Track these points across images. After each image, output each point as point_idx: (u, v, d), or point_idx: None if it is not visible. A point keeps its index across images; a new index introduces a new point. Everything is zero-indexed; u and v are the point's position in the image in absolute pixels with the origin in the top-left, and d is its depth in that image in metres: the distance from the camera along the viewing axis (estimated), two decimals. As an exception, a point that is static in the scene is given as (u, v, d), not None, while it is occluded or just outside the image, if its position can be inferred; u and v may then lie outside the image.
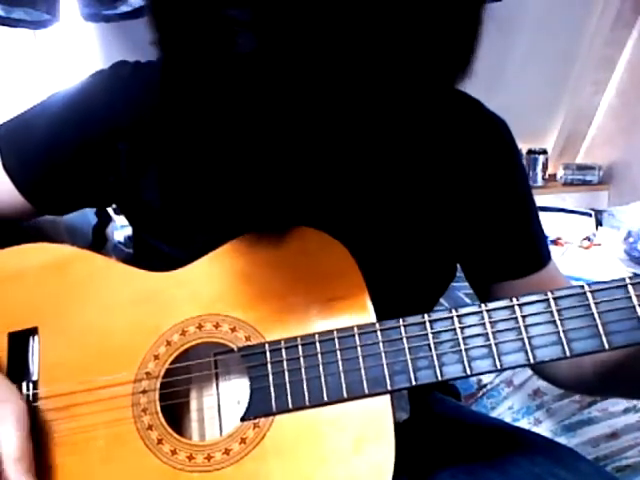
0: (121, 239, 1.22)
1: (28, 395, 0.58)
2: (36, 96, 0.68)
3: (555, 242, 1.77)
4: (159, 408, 0.57)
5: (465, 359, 0.52)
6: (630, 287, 0.52)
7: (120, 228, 1.19)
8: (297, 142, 0.44)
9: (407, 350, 0.53)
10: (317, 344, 0.55)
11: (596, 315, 0.51)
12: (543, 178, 2.28)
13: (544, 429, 1.20)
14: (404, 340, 0.54)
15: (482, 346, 0.53)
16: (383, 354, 0.54)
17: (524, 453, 0.65)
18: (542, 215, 0.71)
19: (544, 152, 2.26)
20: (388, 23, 0.40)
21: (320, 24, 0.39)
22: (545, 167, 2.27)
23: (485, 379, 1.29)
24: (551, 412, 1.22)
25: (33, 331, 0.61)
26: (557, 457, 0.63)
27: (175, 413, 0.60)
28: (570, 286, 0.54)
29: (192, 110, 0.46)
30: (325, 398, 0.53)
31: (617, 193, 2.25)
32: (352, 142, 0.45)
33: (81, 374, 0.58)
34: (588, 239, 1.81)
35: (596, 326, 0.51)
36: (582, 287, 0.52)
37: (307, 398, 0.54)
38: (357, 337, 0.54)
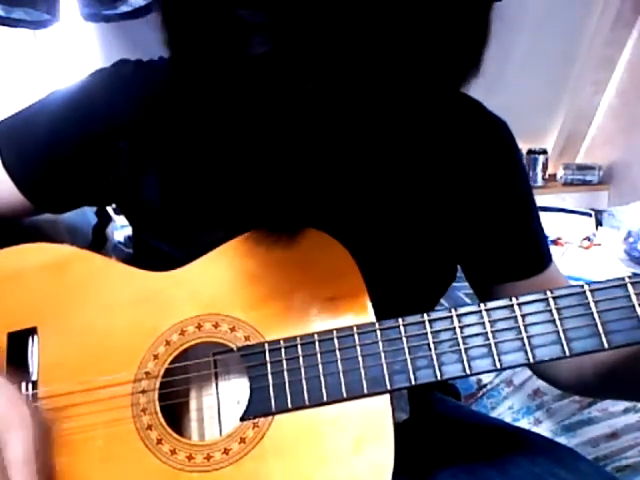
0: (121, 239, 1.22)
1: (27, 395, 0.58)
2: (36, 96, 0.68)
3: (555, 242, 1.77)
4: (158, 408, 0.57)
5: (465, 358, 0.52)
6: (629, 286, 0.51)
7: (120, 228, 1.19)
8: (301, 142, 0.44)
9: (406, 349, 0.53)
10: (316, 344, 0.55)
11: (595, 314, 0.51)
12: (543, 178, 2.28)
13: (544, 429, 1.20)
14: (403, 339, 0.54)
15: (481, 345, 0.53)
16: (382, 354, 0.54)
17: (524, 453, 0.65)
18: (542, 215, 0.71)
19: (544, 152, 2.27)
20: (400, 25, 0.40)
21: (333, 26, 0.39)
22: (545, 167, 2.27)
23: (485, 379, 1.29)
24: (551, 412, 1.21)
25: (32, 331, 0.61)
26: (557, 457, 0.63)
27: (174, 413, 0.60)
28: (569, 285, 0.54)
29: (200, 109, 0.46)
30: (324, 398, 0.53)
31: (617, 193, 2.25)
32: (356, 143, 0.46)
33: (80, 374, 0.58)
34: (588, 239, 1.81)
35: (595, 325, 0.51)
36: (581, 286, 0.52)
37: (306, 398, 0.54)
38: (356, 337, 0.54)
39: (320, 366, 0.54)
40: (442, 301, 0.77)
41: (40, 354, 0.60)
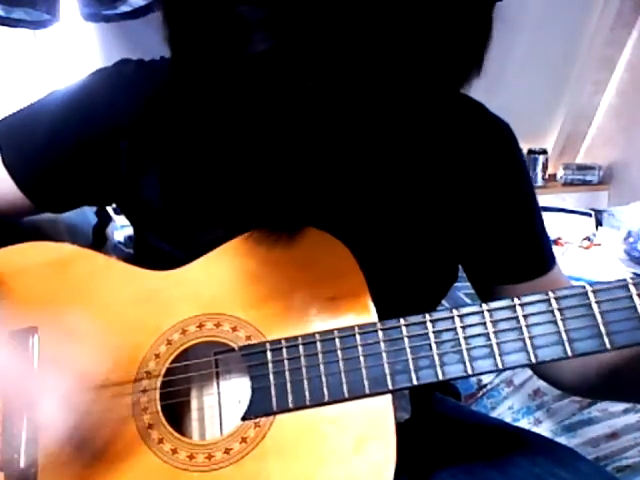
0: (121, 239, 1.22)
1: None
2: (36, 96, 0.68)
3: (555, 242, 1.77)
4: (159, 407, 0.57)
5: (466, 359, 0.52)
6: (631, 287, 0.51)
7: (120, 228, 1.19)
8: (301, 141, 0.44)
9: (408, 350, 0.53)
10: (318, 343, 0.55)
11: (597, 315, 0.51)
12: (543, 178, 2.28)
13: (544, 429, 1.20)
14: (405, 339, 0.54)
15: (483, 346, 0.53)
16: (384, 353, 0.54)
17: (524, 453, 0.65)
18: (542, 215, 0.71)
19: (544, 152, 2.26)
20: (402, 23, 0.40)
21: (334, 24, 0.39)
22: (545, 167, 2.27)
23: (485, 379, 1.29)
24: (551, 412, 1.22)
25: (33, 330, 0.60)
26: (557, 457, 0.63)
27: (175, 412, 0.60)
28: (571, 286, 0.54)
29: (200, 108, 0.46)
30: (326, 398, 0.53)
31: (617, 193, 2.25)
32: (358, 143, 0.46)
33: (81, 373, 0.58)
34: (588, 239, 1.82)
35: (597, 326, 0.51)
36: (583, 287, 0.52)
37: (308, 398, 0.54)
38: (358, 336, 0.55)
39: (322, 366, 0.54)
40: (442, 301, 0.77)
41: (41, 353, 0.60)
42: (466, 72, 0.46)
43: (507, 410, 1.26)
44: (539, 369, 0.73)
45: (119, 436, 0.56)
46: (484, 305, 0.54)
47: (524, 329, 0.52)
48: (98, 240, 1.05)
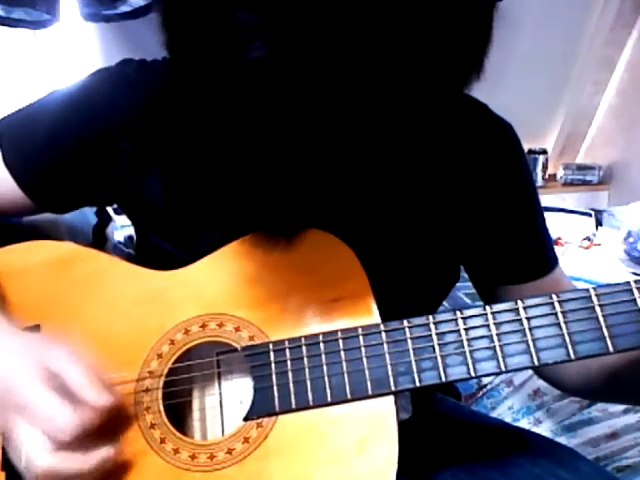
0: (121, 239, 1.22)
1: None
2: (36, 96, 0.68)
3: (555, 242, 1.77)
4: (162, 407, 0.57)
5: (469, 361, 0.52)
6: (635, 290, 0.52)
7: (120, 228, 1.19)
8: (305, 145, 0.44)
9: (411, 351, 0.53)
10: (321, 344, 0.55)
11: (601, 318, 0.51)
12: (543, 178, 2.28)
13: (544, 429, 1.20)
14: (408, 341, 0.54)
15: (486, 348, 0.53)
16: (387, 355, 0.54)
17: (525, 453, 0.65)
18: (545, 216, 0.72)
19: (544, 152, 2.26)
20: (401, 28, 0.40)
21: (332, 29, 0.39)
22: (545, 167, 2.27)
23: (485, 379, 1.29)
24: (551, 412, 1.22)
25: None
26: (557, 457, 0.63)
27: (178, 412, 0.60)
28: (575, 289, 0.54)
29: (200, 111, 0.46)
30: (329, 398, 0.53)
31: (617, 193, 2.25)
32: (361, 145, 0.46)
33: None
34: (588, 239, 1.81)
35: (601, 329, 0.51)
36: (587, 290, 0.52)
37: (310, 398, 0.54)
38: (361, 338, 0.55)
39: (325, 367, 0.54)
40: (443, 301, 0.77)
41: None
42: (467, 75, 0.46)
43: (507, 410, 1.25)
44: (540, 370, 0.73)
45: (121, 435, 0.56)
46: (487, 307, 0.54)
47: (527, 331, 0.52)
48: (98, 240, 1.05)
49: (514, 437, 0.70)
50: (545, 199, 2.12)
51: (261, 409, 0.55)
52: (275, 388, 0.55)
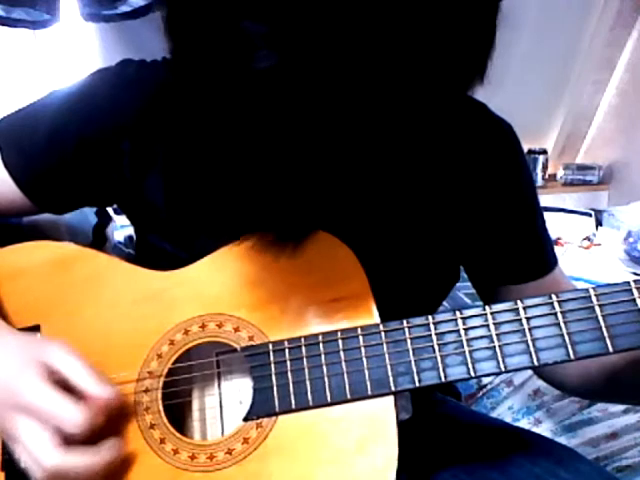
0: (121, 239, 1.22)
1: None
2: (36, 96, 0.68)
3: (555, 242, 1.77)
4: (161, 407, 0.57)
5: (469, 361, 0.53)
6: (635, 290, 0.52)
7: (120, 228, 1.19)
8: (306, 148, 0.44)
9: (411, 351, 0.53)
10: (321, 345, 0.55)
11: (600, 318, 0.51)
12: (543, 178, 2.27)
13: (544, 429, 1.20)
14: (408, 341, 0.54)
15: (486, 348, 0.53)
16: (387, 355, 0.54)
17: (525, 453, 0.65)
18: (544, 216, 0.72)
19: (544, 152, 2.26)
20: (405, 34, 0.40)
21: (338, 36, 0.39)
22: (545, 167, 2.26)
23: (485, 379, 1.29)
24: (551, 412, 1.22)
25: (35, 329, 0.61)
26: (557, 457, 0.63)
27: (177, 412, 0.60)
28: (575, 289, 0.54)
29: (204, 114, 0.46)
30: (328, 399, 0.53)
31: (617, 193, 2.25)
32: (362, 147, 0.46)
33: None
34: (588, 239, 1.81)
35: (600, 329, 0.51)
36: (587, 290, 0.52)
37: (310, 398, 0.54)
38: (361, 338, 0.55)
39: (324, 367, 0.54)
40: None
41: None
42: (470, 79, 0.46)
43: (507, 410, 1.25)
44: (540, 370, 0.73)
45: (121, 435, 0.56)
46: (487, 307, 0.54)
47: (527, 331, 0.52)
48: (98, 240, 1.04)
49: (514, 437, 0.70)
50: (545, 199, 2.12)
51: (261, 409, 0.55)
52: (275, 388, 0.55)
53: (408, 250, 0.65)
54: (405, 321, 0.54)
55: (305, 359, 0.55)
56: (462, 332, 0.53)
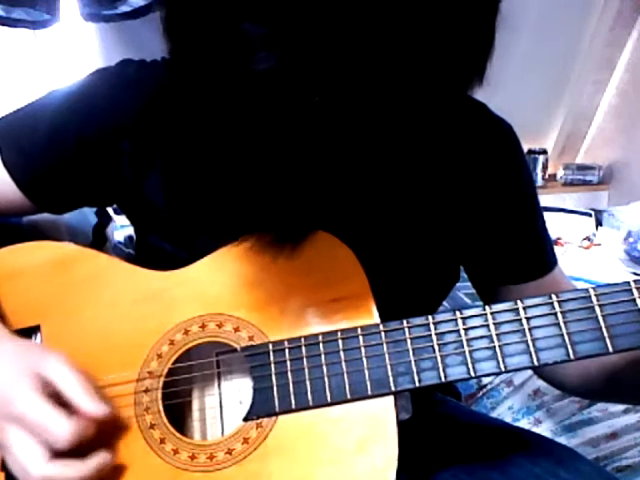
0: (121, 239, 1.22)
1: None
2: (36, 96, 0.68)
3: (555, 242, 1.77)
4: (161, 407, 0.57)
5: (469, 361, 0.53)
6: (635, 290, 0.52)
7: (120, 228, 1.19)
8: (306, 148, 0.44)
9: (411, 351, 0.53)
10: (321, 345, 0.55)
11: (600, 318, 0.51)
12: (543, 178, 2.27)
13: (544, 429, 1.20)
14: (408, 341, 0.54)
15: (486, 348, 0.53)
16: (387, 355, 0.54)
17: (525, 453, 0.65)
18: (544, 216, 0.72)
19: (544, 152, 2.26)
20: (405, 34, 0.40)
21: (338, 38, 0.39)
22: (545, 167, 2.26)
23: (485, 379, 1.29)
24: (551, 412, 1.22)
25: (35, 329, 0.61)
26: (557, 457, 0.63)
27: (177, 412, 0.60)
28: (575, 289, 0.54)
29: (204, 114, 0.46)
30: (328, 399, 0.53)
31: (617, 193, 2.25)
32: (362, 148, 0.46)
33: (84, 373, 0.58)
34: (588, 239, 1.81)
35: (600, 329, 0.51)
36: (587, 290, 0.52)
37: (310, 398, 0.54)
38: (361, 338, 0.55)
39: (324, 367, 0.54)
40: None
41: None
42: (469, 80, 0.46)
43: (507, 410, 1.25)
44: (540, 370, 0.73)
45: (121, 435, 0.56)
46: (487, 307, 0.54)
47: (527, 331, 0.52)
48: (98, 240, 1.05)
49: (514, 437, 0.70)
50: (545, 199, 2.12)
51: (261, 409, 0.55)
52: (275, 388, 0.55)
53: (408, 250, 0.65)
54: (405, 321, 0.54)
55: (305, 359, 0.55)
56: (462, 332, 0.53)
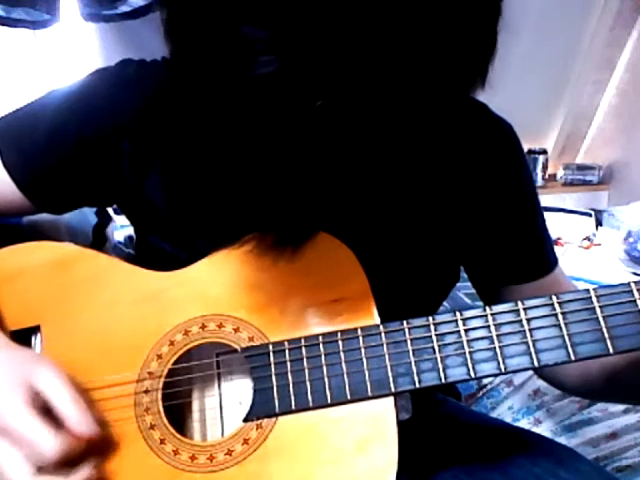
0: (121, 239, 1.22)
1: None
2: (36, 96, 0.68)
3: (555, 242, 1.77)
4: (161, 408, 0.57)
5: (469, 362, 0.52)
6: (635, 291, 0.52)
7: (120, 228, 1.19)
8: (307, 150, 0.44)
9: (411, 352, 0.53)
10: (321, 345, 0.55)
11: (601, 319, 0.51)
12: (543, 178, 2.28)
13: (544, 429, 1.20)
14: (408, 342, 0.54)
15: (486, 349, 0.53)
16: (387, 356, 0.54)
17: (525, 453, 0.65)
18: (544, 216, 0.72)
19: (544, 152, 2.26)
20: (407, 37, 0.40)
21: (340, 41, 0.39)
22: (545, 167, 2.27)
23: (485, 379, 1.29)
24: (551, 412, 1.21)
25: (35, 329, 0.61)
26: (557, 457, 0.63)
27: (177, 413, 0.60)
28: (575, 290, 0.54)
29: (204, 115, 0.46)
30: (328, 400, 0.53)
31: (617, 193, 2.25)
32: (363, 149, 0.46)
33: (83, 373, 0.58)
34: (588, 239, 1.82)
35: (601, 330, 0.51)
36: (587, 291, 0.52)
37: (310, 399, 0.54)
38: (361, 339, 0.55)
39: (324, 368, 0.54)
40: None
41: (43, 353, 0.60)
42: (470, 83, 0.46)
43: (507, 410, 1.25)
44: (540, 370, 0.73)
45: (121, 436, 0.56)
46: (487, 308, 0.54)
47: (527, 332, 0.52)
48: (98, 240, 1.05)
49: (514, 437, 0.70)
50: (545, 199, 2.12)
51: (261, 410, 0.55)
52: (275, 389, 0.55)
53: (408, 251, 0.65)
54: (405, 322, 0.54)
55: (305, 360, 0.55)
56: (462, 333, 0.53)
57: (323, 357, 0.55)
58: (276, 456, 0.54)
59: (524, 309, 0.53)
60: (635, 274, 1.58)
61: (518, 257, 0.69)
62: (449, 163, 0.65)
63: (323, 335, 0.55)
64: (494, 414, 1.25)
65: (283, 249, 0.54)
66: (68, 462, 0.51)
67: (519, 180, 0.69)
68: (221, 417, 0.60)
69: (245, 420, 0.55)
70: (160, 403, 0.57)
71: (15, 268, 0.63)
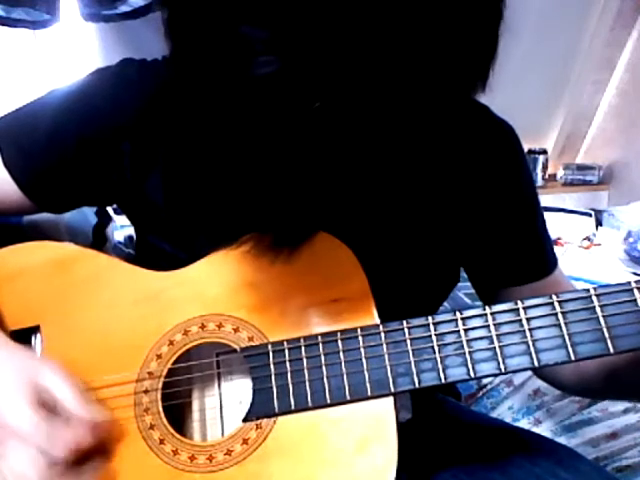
0: (121, 239, 1.22)
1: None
2: (36, 96, 0.68)
3: (555, 242, 1.77)
4: (161, 408, 0.57)
5: (469, 362, 0.52)
6: (635, 291, 0.51)
7: (120, 228, 1.19)
8: (307, 150, 0.44)
9: (411, 352, 0.53)
10: (320, 345, 0.55)
11: (601, 319, 0.51)
12: (543, 178, 2.28)
13: (544, 429, 1.20)
14: (408, 342, 0.54)
15: (486, 349, 0.53)
16: (386, 356, 0.54)
17: (525, 454, 0.65)
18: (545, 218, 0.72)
19: (544, 152, 2.26)
20: (408, 40, 0.40)
21: (340, 42, 0.39)
22: (545, 167, 2.27)
23: (485, 379, 1.29)
24: (551, 412, 1.21)
25: (35, 329, 0.61)
26: (557, 457, 0.63)
27: (177, 413, 0.60)
28: (575, 289, 0.54)
29: (204, 115, 0.46)
30: (328, 400, 0.53)
31: (617, 193, 2.26)
32: (363, 150, 0.46)
33: (83, 373, 0.58)
34: (588, 239, 1.82)
35: (601, 330, 0.51)
36: (587, 290, 0.52)
37: (310, 399, 0.54)
38: (360, 339, 0.55)
39: (324, 368, 0.54)
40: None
41: (43, 353, 0.60)
42: (472, 87, 0.46)
43: (507, 410, 1.25)
44: (540, 370, 0.73)
45: (120, 436, 0.56)
46: (487, 308, 0.54)
47: (527, 332, 0.52)
48: (98, 240, 1.05)
49: (514, 437, 0.70)
50: (545, 199, 2.12)
51: (260, 410, 0.55)
52: (274, 389, 0.55)
53: (408, 251, 0.65)
54: (405, 322, 0.54)
55: (305, 360, 0.55)
56: (462, 333, 0.53)
57: (323, 357, 0.54)
58: (276, 456, 0.54)
59: (524, 308, 0.53)
60: (635, 274, 1.58)
61: (518, 258, 0.69)
62: (449, 164, 0.65)
63: (323, 335, 0.55)
64: (494, 414, 1.25)
65: (280, 250, 0.54)
66: (76, 461, 0.51)
67: (520, 182, 0.69)
68: (221, 417, 0.60)
69: (244, 420, 0.55)
70: (160, 403, 0.57)
71: (15, 268, 0.63)
